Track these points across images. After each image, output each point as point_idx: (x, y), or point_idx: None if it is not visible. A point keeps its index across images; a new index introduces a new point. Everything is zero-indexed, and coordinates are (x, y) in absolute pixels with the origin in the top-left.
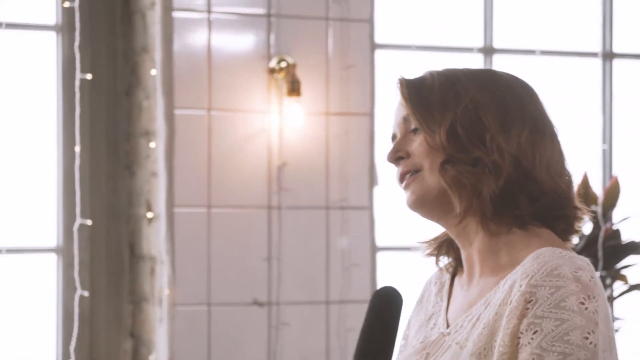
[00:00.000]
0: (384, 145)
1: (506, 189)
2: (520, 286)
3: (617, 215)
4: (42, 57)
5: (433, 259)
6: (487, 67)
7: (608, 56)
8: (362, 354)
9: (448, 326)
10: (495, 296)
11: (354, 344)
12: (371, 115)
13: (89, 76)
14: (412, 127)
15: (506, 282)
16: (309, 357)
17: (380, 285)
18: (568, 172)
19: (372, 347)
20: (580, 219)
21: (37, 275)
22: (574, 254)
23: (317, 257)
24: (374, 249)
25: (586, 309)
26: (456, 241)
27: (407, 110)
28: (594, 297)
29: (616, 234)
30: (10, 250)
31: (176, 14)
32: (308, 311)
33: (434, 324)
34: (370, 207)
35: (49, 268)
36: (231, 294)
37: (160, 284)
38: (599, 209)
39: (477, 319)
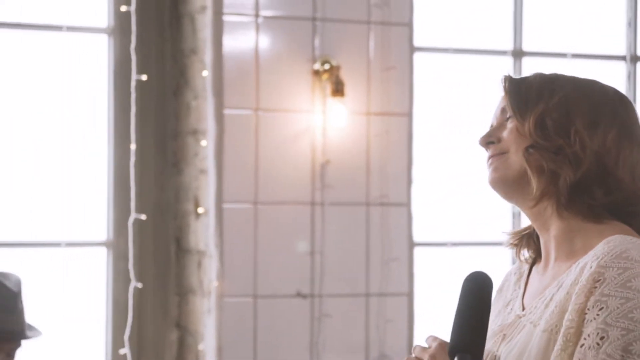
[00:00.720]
0: (421, 145)
1: (583, 180)
2: (590, 267)
3: None
4: (94, 59)
5: (472, 256)
6: (517, 69)
7: (633, 59)
8: (462, 329)
9: (523, 309)
10: (567, 278)
11: (392, 335)
12: (410, 115)
13: (144, 77)
14: (507, 116)
15: (578, 265)
16: (350, 347)
17: (416, 279)
18: None
19: (472, 323)
20: None
21: (87, 268)
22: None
23: (358, 251)
24: (412, 244)
25: None
26: (534, 226)
27: (505, 101)
28: None
29: None
30: (66, 244)
31: (226, 17)
32: (349, 303)
33: (511, 309)
34: (408, 204)
35: (99, 261)
36: (276, 286)
37: (208, 276)
38: None
39: (550, 300)
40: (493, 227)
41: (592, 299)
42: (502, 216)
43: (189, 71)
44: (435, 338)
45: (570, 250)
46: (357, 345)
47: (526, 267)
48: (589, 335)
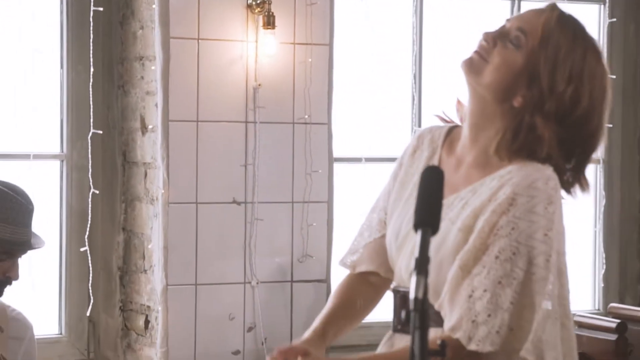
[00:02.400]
0: (341, 71)
1: (553, 116)
2: (506, 191)
3: None
4: None
5: (383, 170)
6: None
7: None
8: (423, 208)
9: None
10: (481, 188)
11: (313, 237)
12: (330, 45)
13: (101, 9)
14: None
15: (493, 179)
16: (277, 248)
17: (335, 189)
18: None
19: (430, 203)
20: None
21: (42, 179)
22: (547, 166)
23: (285, 164)
24: (331, 159)
25: (547, 211)
26: (467, 131)
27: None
28: (554, 203)
29: None
30: (16, 156)
31: None
32: (277, 209)
33: None
34: (328, 123)
35: (53, 173)
36: (215, 194)
37: (155, 185)
38: None
39: (466, 203)
40: (399, 144)
41: (504, 218)
42: (406, 136)
43: (135, 3)
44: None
45: (487, 163)
46: (284, 245)
47: (438, 148)
48: (503, 249)
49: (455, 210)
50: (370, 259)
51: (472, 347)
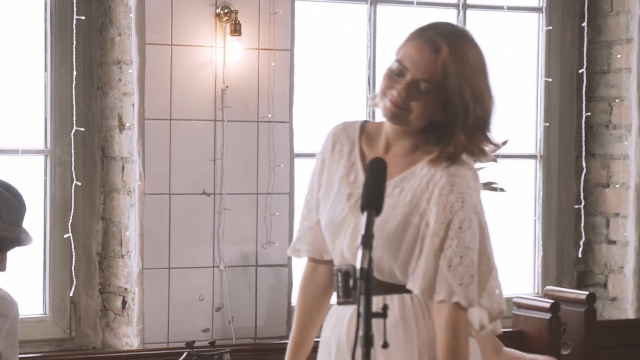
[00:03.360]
0: (301, 74)
1: (468, 125)
2: (443, 175)
3: None
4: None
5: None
6: (372, 17)
7: (464, 7)
8: (369, 193)
9: None
10: (413, 176)
11: (276, 226)
12: (291, 50)
13: (83, 17)
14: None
15: (423, 168)
16: (243, 235)
17: (296, 182)
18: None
19: (375, 188)
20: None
21: (28, 173)
22: (465, 156)
23: (250, 159)
24: (292, 155)
25: (476, 184)
26: (392, 129)
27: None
28: (476, 177)
29: None
30: (5, 151)
31: None
32: (243, 200)
33: (354, 179)
34: (290, 121)
35: (37, 167)
36: (186, 186)
37: (131, 178)
38: None
39: (402, 190)
40: None
41: (452, 196)
42: None
43: (113, 12)
44: None
45: (412, 152)
46: (249, 233)
47: (356, 142)
48: (462, 221)
49: (393, 197)
50: (311, 245)
51: (474, 304)
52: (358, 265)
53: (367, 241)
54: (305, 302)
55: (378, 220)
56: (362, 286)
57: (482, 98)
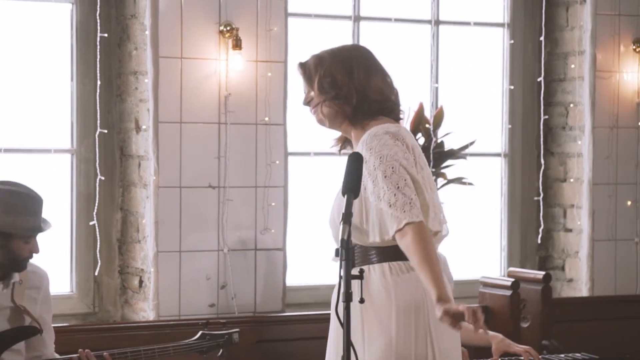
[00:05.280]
0: (294, 83)
1: (357, 106)
2: (364, 145)
3: (441, 132)
4: (57, 22)
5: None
6: (355, 32)
7: (436, 23)
8: (348, 179)
9: None
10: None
11: (272, 215)
12: (285, 62)
13: (105, 34)
14: (307, 88)
15: (359, 146)
16: (244, 223)
17: (290, 178)
18: (395, 91)
19: (352, 175)
20: (400, 112)
21: (57, 170)
22: (391, 125)
23: (250, 156)
24: (286, 153)
25: (388, 141)
26: (346, 135)
27: (303, 81)
28: (378, 136)
29: (441, 144)
30: (38, 151)
31: None
32: (244, 192)
33: None
34: (284, 124)
35: (64, 165)
36: (195, 180)
37: (147, 173)
38: (430, 127)
39: None
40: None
41: (372, 157)
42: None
43: (130, 30)
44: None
45: (355, 139)
46: (249, 221)
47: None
48: (384, 171)
49: None
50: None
51: (417, 219)
52: (339, 237)
53: (347, 218)
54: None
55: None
56: (343, 253)
57: (333, 78)
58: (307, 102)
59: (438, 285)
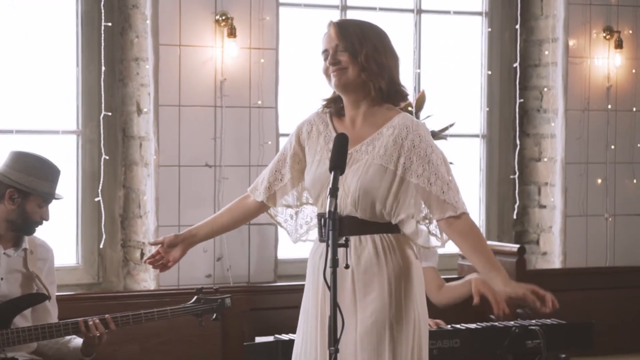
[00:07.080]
0: (285, 68)
1: (387, 86)
2: (408, 132)
3: (423, 114)
4: (64, 12)
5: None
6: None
7: (419, 12)
8: (334, 157)
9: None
10: (381, 137)
11: None
12: (276, 49)
13: (109, 24)
14: (340, 49)
15: (389, 128)
16: None
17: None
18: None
19: (338, 153)
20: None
21: (64, 149)
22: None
23: (243, 137)
24: (278, 134)
25: (429, 133)
26: (348, 104)
27: (337, 41)
28: (424, 126)
29: None
30: (47, 132)
31: None
32: (238, 171)
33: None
34: (276, 107)
35: (71, 144)
36: (192, 159)
37: (148, 153)
38: (413, 110)
39: (374, 147)
40: None
41: (422, 145)
42: None
43: (132, 19)
44: None
45: (374, 121)
46: None
47: (328, 121)
48: (436, 160)
49: (368, 153)
50: (263, 193)
51: (467, 210)
52: (327, 208)
53: (334, 192)
54: (226, 216)
55: (358, 173)
56: (330, 223)
57: (377, 55)
58: (335, 62)
59: (499, 268)
